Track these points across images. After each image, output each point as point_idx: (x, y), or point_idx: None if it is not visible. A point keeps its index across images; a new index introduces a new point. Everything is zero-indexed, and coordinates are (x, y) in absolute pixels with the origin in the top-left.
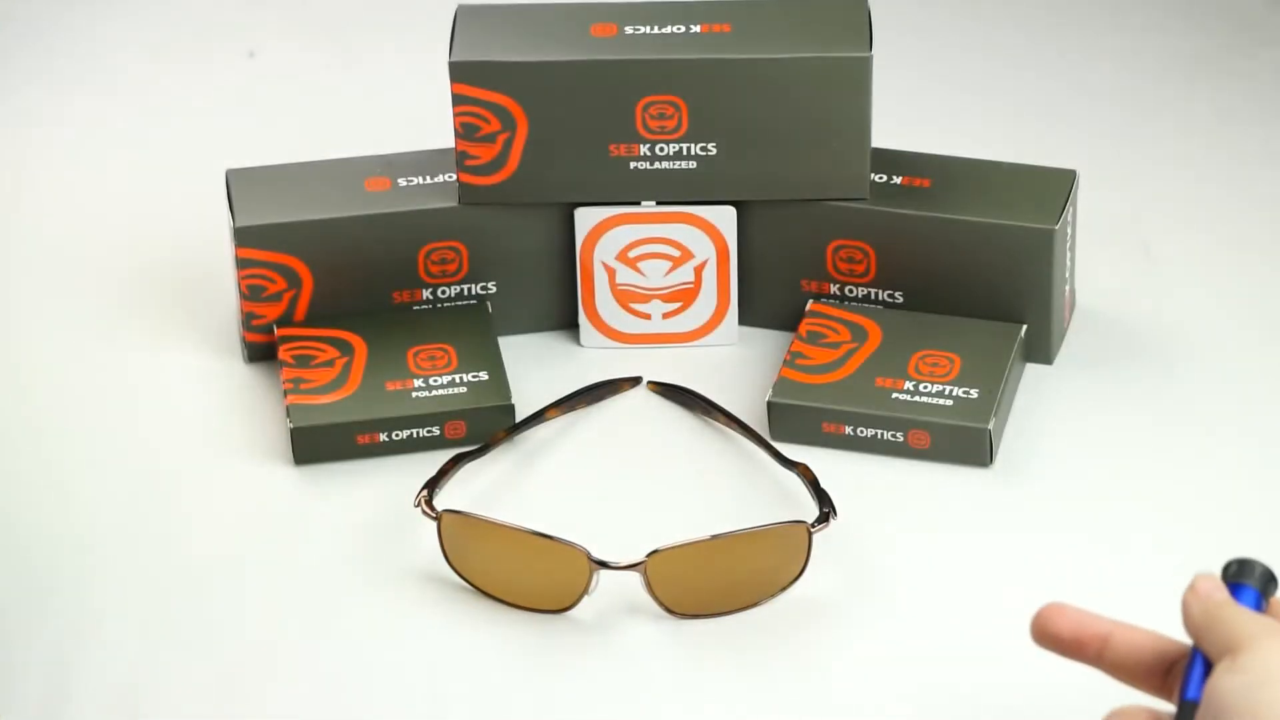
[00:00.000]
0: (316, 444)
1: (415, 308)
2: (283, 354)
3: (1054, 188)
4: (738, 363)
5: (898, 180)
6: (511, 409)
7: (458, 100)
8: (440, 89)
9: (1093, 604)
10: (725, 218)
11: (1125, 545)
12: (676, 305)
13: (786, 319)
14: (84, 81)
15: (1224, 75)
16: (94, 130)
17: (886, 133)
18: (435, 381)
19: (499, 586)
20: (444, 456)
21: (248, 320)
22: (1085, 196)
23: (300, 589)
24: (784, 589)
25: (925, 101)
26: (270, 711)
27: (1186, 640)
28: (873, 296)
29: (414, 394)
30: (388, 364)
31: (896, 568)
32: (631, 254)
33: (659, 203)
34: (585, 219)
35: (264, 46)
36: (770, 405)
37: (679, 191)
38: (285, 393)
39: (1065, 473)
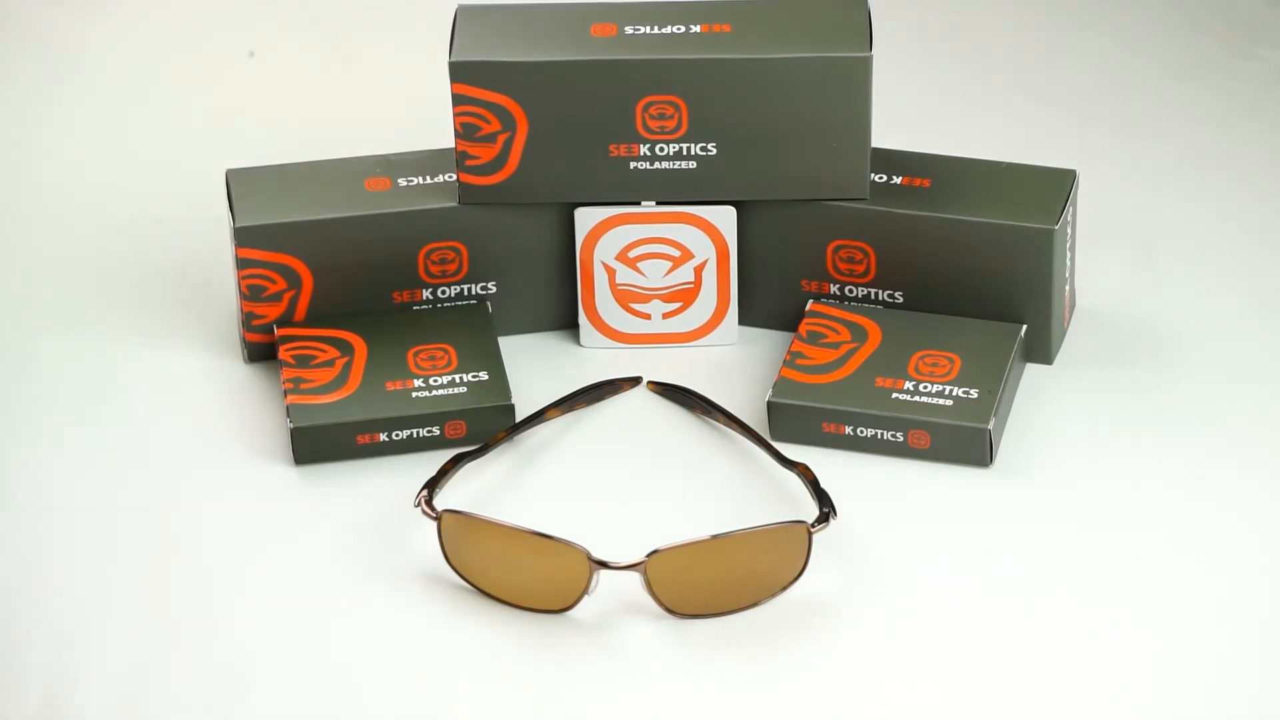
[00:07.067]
0: (316, 444)
1: (415, 308)
2: (283, 354)
3: (1054, 188)
4: (738, 363)
5: (898, 180)
6: (511, 409)
7: (458, 100)
8: (440, 89)
9: (1092, 603)
10: (725, 218)
11: (1125, 545)
12: (676, 305)
13: (786, 319)
14: (84, 81)
15: (1224, 75)
16: (94, 130)
17: (886, 133)
18: (435, 381)
19: (499, 586)
20: (444, 456)
21: (248, 320)
22: (1085, 196)
23: (300, 589)
24: (784, 589)
25: (925, 101)
26: (270, 711)
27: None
28: (873, 296)
29: (414, 394)
30: (388, 364)
31: (896, 568)
32: (631, 254)
33: (659, 203)
34: (585, 219)
35: (264, 46)
36: (770, 405)
37: (679, 191)
38: (285, 393)
39: (1065, 473)
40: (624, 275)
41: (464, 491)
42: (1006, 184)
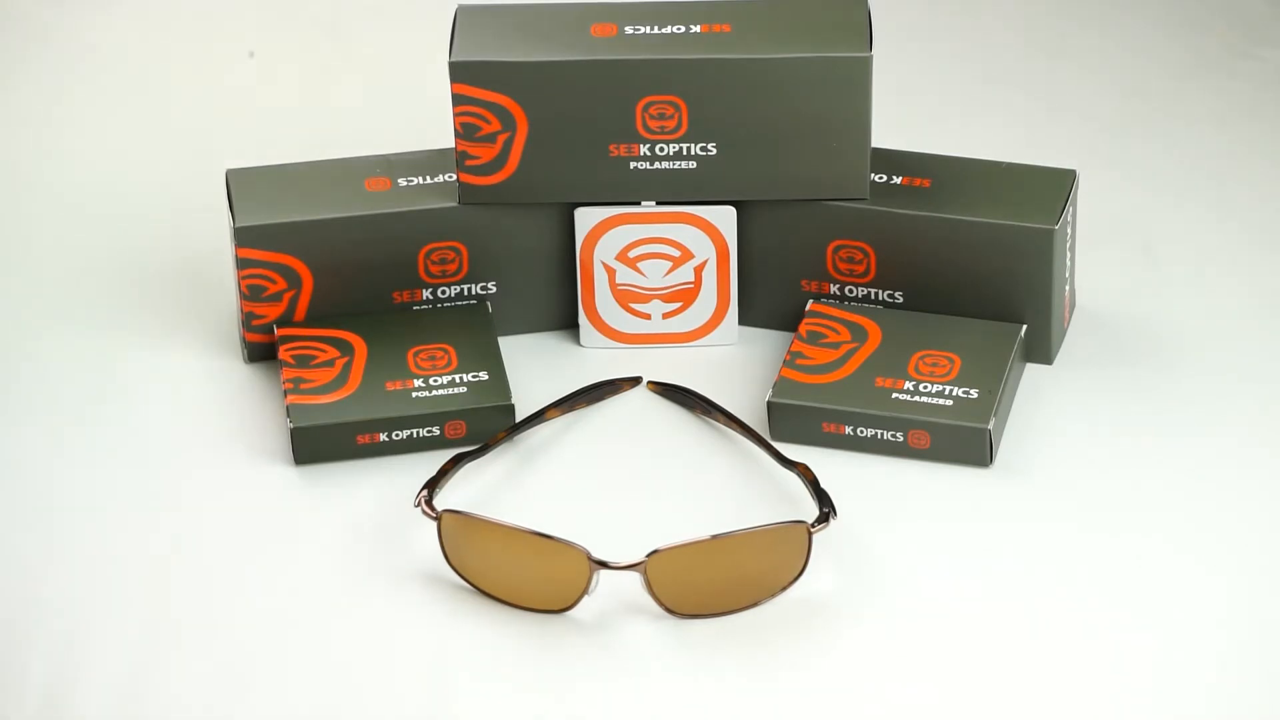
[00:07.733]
0: (316, 444)
1: (415, 308)
2: (283, 354)
3: (1054, 188)
4: (738, 363)
5: (898, 180)
6: (511, 409)
7: (458, 100)
8: (440, 89)
9: (1092, 603)
10: (725, 218)
11: (1125, 545)
12: (676, 305)
13: (786, 319)
14: (84, 81)
15: (1224, 75)
16: (94, 130)
17: (886, 133)
18: (435, 381)
19: (499, 586)
20: (444, 456)
21: (248, 320)
22: (1085, 196)
23: (300, 589)
24: (784, 589)
25: (925, 101)
26: (270, 711)
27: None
28: (873, 296)
29: (414, 394)
30: (388, 364)
31: (896, 568)
32: (631, 254)
33: (659, 203)
34: (585, 219)
35: (264, 46)
36: (770, 405)
37: (679, 191)
38: (285, 393)
39: (1065, 473)
40: (624, 275)
41: (464, 491)
42: (1006, 184)
